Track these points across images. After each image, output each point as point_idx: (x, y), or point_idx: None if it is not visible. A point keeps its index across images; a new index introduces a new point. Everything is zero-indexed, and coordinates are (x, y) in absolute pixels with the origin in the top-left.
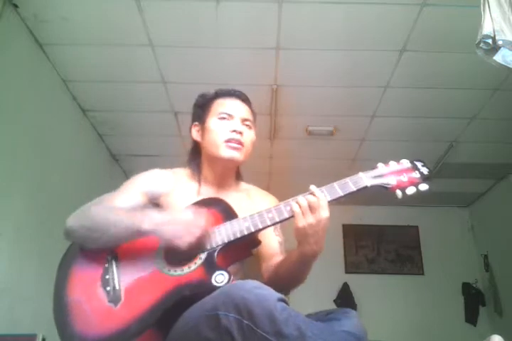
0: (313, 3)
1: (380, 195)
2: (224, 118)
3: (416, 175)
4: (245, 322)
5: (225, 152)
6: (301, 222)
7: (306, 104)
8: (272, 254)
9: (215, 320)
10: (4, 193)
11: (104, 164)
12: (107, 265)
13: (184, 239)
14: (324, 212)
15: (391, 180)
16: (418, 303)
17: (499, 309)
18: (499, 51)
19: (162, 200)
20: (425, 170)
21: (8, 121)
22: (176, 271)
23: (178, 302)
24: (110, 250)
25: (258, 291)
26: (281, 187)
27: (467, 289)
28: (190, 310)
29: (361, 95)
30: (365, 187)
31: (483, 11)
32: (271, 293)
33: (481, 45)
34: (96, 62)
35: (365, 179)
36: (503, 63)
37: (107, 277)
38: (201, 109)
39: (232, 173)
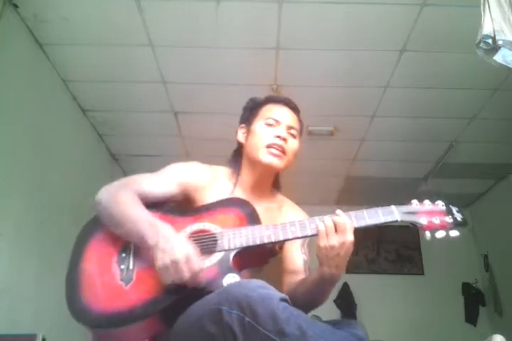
0: (313, 3)
1: (380, 195)
2: (270, 124)
3: (449, 220)
4: (247, 319)
5: (265, 157)
6: (324, 241)
7: (306, 104)
8: (295, 270)
9: (218, 315)
10: (4, 193)
11: (104, 164)
12: (125, 243)
13: (167, 277)
14: (349, 236)
15: (422, 220)
16: (418, 303)
17: (499, 309)
18: (499, 51)
19: (195, 194)
20: (459, 217)
21: (8, 121)
22: None
23: (186, 296)
24: None
25: (261, 290)
26: (282, 187)
27: (467, 289)
28: (195, 305)
29: (361, 95)
30: (395, 221)
31: (483, 11)
32: (274, 293)
33: (481, 45)
34: (96, 62)
35: (397, 213)
36: (503, 63)
37: (124, 255)
38: (250, 112)
39: (269, 181)
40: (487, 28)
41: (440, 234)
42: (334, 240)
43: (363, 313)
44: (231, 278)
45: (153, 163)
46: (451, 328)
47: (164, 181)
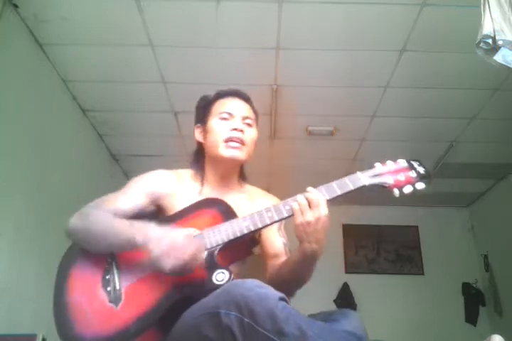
0: (313, 3)
1: (380, 194)
2: (225, 118)
3: (412, 174)
4: (246, 320)
5: (226, 151)
6: (300, 219)
7: (306, 104)
8: (276, 254)
9: (216, 318)
10: (4, 193)
11: (104, 164)
12: (107, 265)
13: (168, 262)
14: (323, 210)
15: (388, 180)
16: (418, 303)
17: (499, 309)
18: (499, 51)
19: (165, 201)
20: (421, 170)
21: (8, 121)
22: None
23: (179, 302)
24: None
25: (259, 290)
26: (281, 187)
27: (467, 289)
28: (190, 309)
29: (361, 95)
30: (363, 186)
31: (483, 11)
32: (272, 292)
33: (481, 45)
34: (96, 62)
35: (363, 178)
36: (503, 63)
37: (108, 277)
38: (203, 110)
39: (235, 173)
40: (487, 28)
41: (407, 189)
42: (310, 216)
43: (363, 313)
44: (220, 274)
45: (153, 163)
46: (451, 328)
47: (133, 195)
